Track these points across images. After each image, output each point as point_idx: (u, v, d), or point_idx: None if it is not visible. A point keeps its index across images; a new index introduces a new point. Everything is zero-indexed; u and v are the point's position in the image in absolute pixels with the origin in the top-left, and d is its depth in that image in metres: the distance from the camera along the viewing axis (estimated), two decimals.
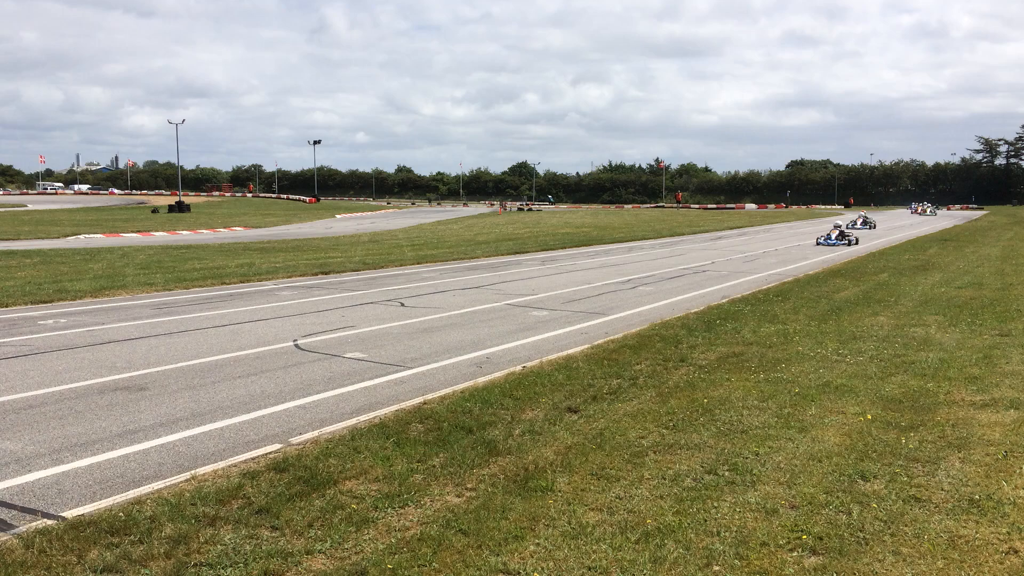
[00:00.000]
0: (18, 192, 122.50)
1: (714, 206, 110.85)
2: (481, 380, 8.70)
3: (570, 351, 10.37)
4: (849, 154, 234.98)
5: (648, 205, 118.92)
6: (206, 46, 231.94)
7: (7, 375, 8.89)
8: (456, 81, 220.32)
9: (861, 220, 49.71)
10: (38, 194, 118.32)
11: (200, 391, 8.30)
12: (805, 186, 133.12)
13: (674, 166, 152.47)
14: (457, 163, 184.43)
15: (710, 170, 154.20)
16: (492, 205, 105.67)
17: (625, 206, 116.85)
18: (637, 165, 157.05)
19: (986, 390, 8.21)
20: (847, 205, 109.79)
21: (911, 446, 6.44)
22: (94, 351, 10.31)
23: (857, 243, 32.75)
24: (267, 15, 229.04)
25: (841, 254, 27.84)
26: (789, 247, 31.79)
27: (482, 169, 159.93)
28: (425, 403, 7.72)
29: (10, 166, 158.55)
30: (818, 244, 32.66)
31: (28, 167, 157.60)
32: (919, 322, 12.55)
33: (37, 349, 10.39)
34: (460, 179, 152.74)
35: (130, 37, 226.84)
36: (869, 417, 7.24)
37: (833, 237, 33.00)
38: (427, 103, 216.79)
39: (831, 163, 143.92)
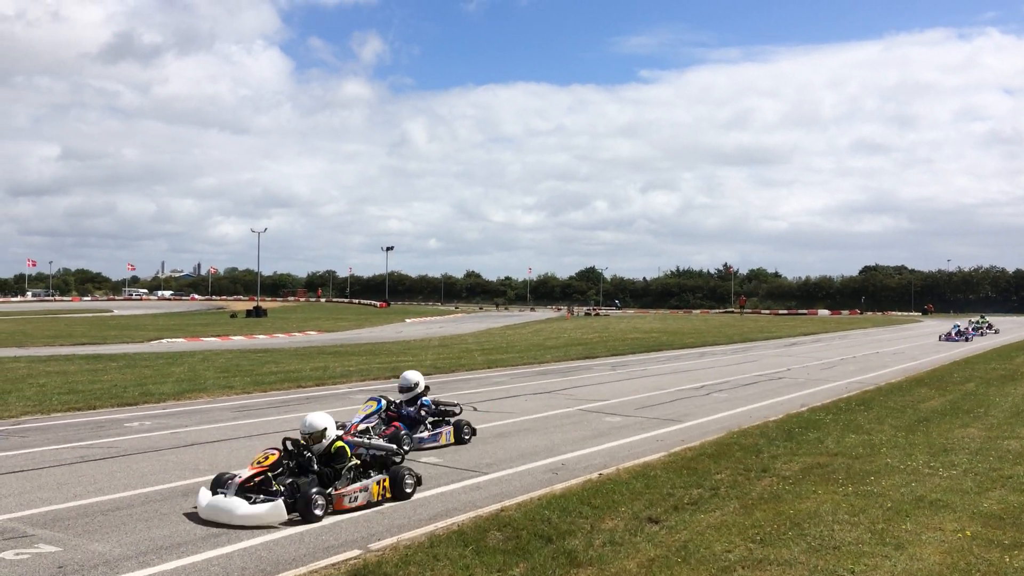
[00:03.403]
0: (105, 298, 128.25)
1: (785, 312, 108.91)
2: (558, 487, 8.59)
3: (647, 459, 10.19)
4: (924, 260, 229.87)
5: (717, 311, 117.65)
6: (292, 160, 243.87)
7: (95, 476, 9.15)
8: (527, 189, 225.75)
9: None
10: (124, 300, 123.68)
11: None
12: (880, 292, 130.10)
13: (743, 271, 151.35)
14: (525, 268, 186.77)
15: (780, 275, 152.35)
16: (559, 310, 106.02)
17: (693, 311, 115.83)
18: (705, 271, 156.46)
19: None
20: (925, 312, 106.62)
21: (1017, 565, 6.08)
22: (178, 453, 10.56)
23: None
24: (352, 131, 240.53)
25: (924, 362, 26.94)
26: (867, 354, 30.92)
27: (549, 274, 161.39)
28: (503, 510, 7.64)
29: (99, 273, 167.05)
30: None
31: (116, 274, 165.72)
32: (1012, 434, 11.98)
33: (124, 451, 10.69)
34: (527, 284, 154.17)
35: (223, 153, 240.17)
36: (969, 534, 6.87)
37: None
38: (498, 210, 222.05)
39: (906, 269, 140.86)
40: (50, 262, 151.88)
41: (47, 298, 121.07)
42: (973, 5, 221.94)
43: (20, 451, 10.59)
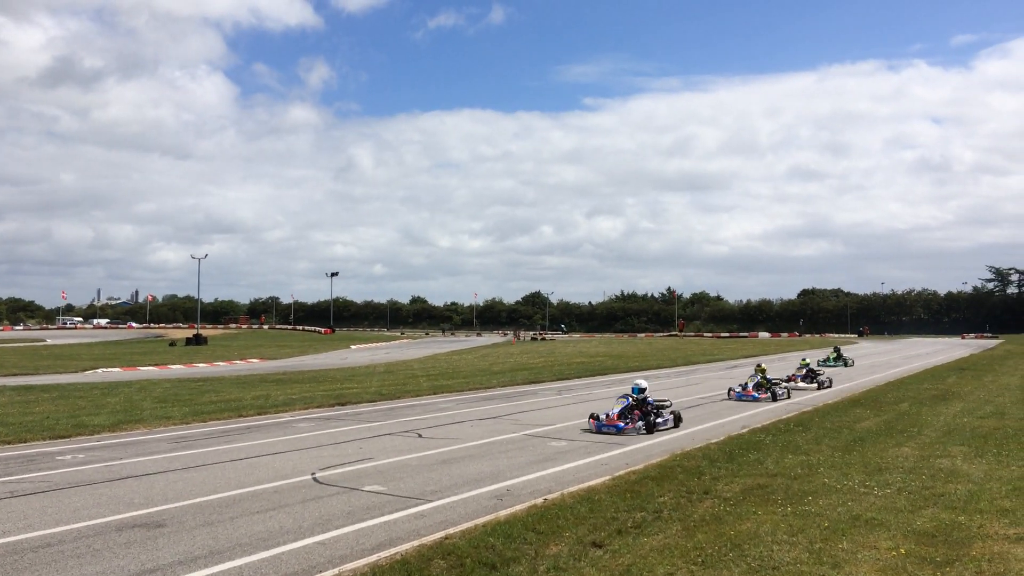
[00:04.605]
0: (38, 327, 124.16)
1: (727, 334, 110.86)
2: (503, 513, 8.58)
3: (591, 483, 10.23)
4: (860, 283, 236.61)
5: (661, 334, 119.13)
6: (236, 185, 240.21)
7: (26, 512, 8.83)
8: (473, 214, 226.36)
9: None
10: (58, 328, 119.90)
11: (218, 527, 8.20)
12: (818, 315, 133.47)
13: (686, 295, 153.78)
14: (471, 293, 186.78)
15: (722, 299, 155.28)
16: (506, 335, 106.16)
17: (638, 335, 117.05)
18: (649, 294, 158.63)
19: (1020, 523, 8.02)
20: (861, 333, 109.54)
21: None
22: (112, 487, 10.25)
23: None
24: (297, 156, 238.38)
25: (857, 384, 27.62)
26: None
27: (496, 299, 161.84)
28: (447, 538, 7.59)
29: (32, 301, 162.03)
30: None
31: (50, 302, 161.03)
32: (944, 453, 12.34)
33: (55, 485, 10.34)
34: (474, 309, 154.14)
35: (164, 178, 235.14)
36: (903, 552, 7.05)
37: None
38: (444, 235, 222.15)
39: (843, 292, 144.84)
40: None
41: None
42: (902, 38, 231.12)
43: None
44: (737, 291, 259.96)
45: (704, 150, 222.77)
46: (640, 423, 15.24)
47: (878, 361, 42.35)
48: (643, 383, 15.95)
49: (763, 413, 18.44)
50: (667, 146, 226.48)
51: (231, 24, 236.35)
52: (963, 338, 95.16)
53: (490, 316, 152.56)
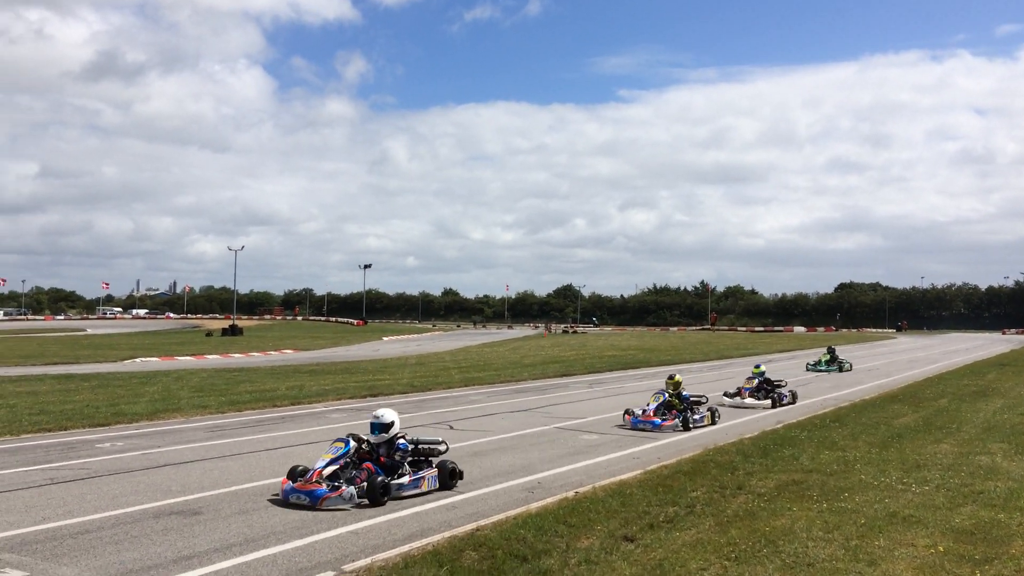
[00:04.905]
0: (79, 317, 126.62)
1: (761, 329, 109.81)
2: (534, 506, 8.57)
3: (623, 476, 10.19)
4: (899, 277, 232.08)
5: (694, 328, 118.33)
6: (272, 178, 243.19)
7: (65, 499, 8.99)
8: (506, 207, 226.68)
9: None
10: (98, 318, 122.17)
11: (253, 515, 8.29)
12: (855, 309, 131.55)
13: (720, 288, 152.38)
14: (503, 286, 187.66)
15: (756, 292, 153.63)
16: (537, 327, 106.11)
17: (670, 328, 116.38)
18: (682, 288, 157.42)
19: None
20: (899, 328, 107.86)
21: None
22: (150, 474, 10.42)
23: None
24: (333, 150, 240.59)
25: (898, 379, 27.17)
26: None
27: (527, 292, 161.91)
28: (478, 530, 7.60)
29: (73, 291, 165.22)
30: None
31: (90, 293, 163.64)
32: (984, 450, 12.11)
33: (94, 472, 10.52)
34: (505, 302, 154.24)
35: (203, 171, 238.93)
36: (941, 550, 6.93)
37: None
38: (477, 228, 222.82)
39: (880, 286, 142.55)
40: (23, 280, 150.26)
41: (19, 317, 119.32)
42: (945, 28, 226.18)
43: None
44: (772, 285, 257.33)
45: (741, 142, 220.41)
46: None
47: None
48: (390, 415, 9.73)
49: (798, 409, 18.23)
50: (703, 138, 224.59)
51: (270, 18, 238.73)
52: (1004, 333, 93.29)
53: (522, 309, 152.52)
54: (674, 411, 15.22)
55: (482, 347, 50.92)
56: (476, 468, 10.99)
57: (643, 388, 23.61)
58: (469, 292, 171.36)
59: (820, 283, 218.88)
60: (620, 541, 7.23)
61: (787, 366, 34.04)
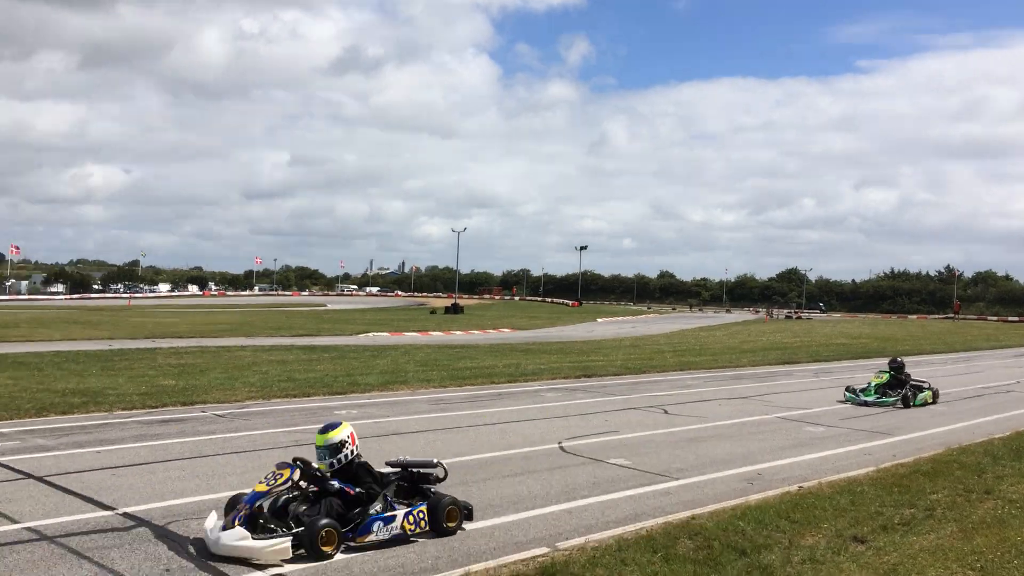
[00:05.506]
0: (320, 293, 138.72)
1: (1016, 319, 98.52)
2: (753, 498, 8.21)
3: (853, 473, 9.53)
4: None
5: (936, 316, 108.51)
6: (495, 161, 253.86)
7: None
8: (728, 187, 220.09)
9: None
10: (336, 295, 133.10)
11: (472, 487, 8.59)
12: None
13: (968, 274, 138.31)
14: (722, 269, 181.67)
15: (1012, 279, 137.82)
16: (757, 312, 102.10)
17: (909, 316, 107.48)
18: (924, 272, 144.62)
19: None
20: None
21: None
22: (380, 442, 11.11)
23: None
24: (553, 132, 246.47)
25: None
26: None
27: (748, 275, 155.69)
28: (693, 518, 7.40)
29: (316, 270, 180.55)
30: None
31: (330, 271, 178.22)
32: None
33: None
34: (724, 285, 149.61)
35: (431, 156, 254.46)
36: None
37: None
38: (696, 209, 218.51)
39: None
40: (275, 259, 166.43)
41: (271, 292, 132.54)
42: None
43: (243, 433, 11.59)
44: None
45: (997, 113, 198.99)
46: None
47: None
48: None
49: None
50: (953, 109, 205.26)
51: (498, 7, 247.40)
52: None
53: (741, 292, 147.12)
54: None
55: (698, 331, 49.76)
56: (691, 454, 10.74)
57: None
58: (686, 275, 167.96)
59: None
60: (849, 541, 6.75)
61: None
